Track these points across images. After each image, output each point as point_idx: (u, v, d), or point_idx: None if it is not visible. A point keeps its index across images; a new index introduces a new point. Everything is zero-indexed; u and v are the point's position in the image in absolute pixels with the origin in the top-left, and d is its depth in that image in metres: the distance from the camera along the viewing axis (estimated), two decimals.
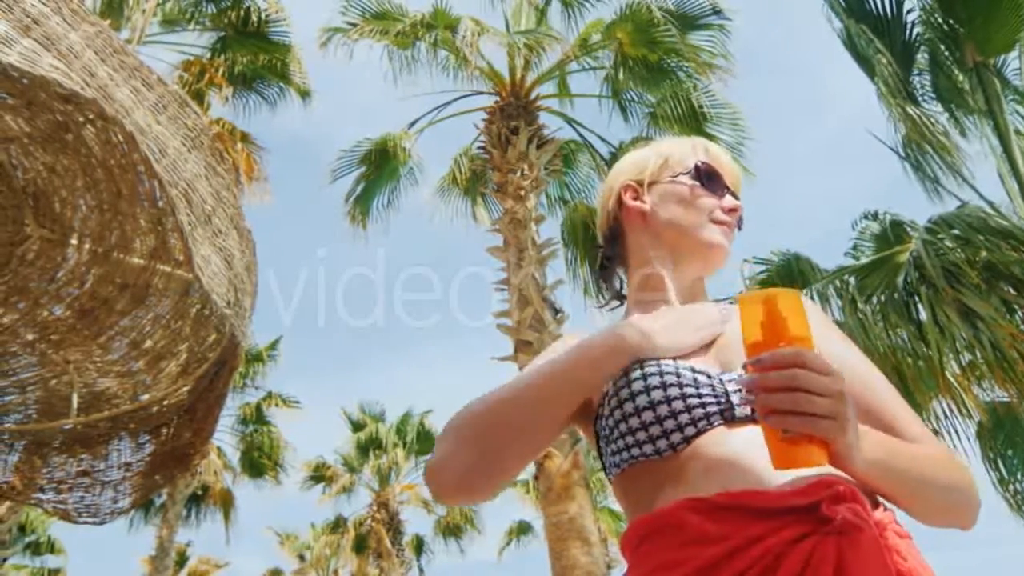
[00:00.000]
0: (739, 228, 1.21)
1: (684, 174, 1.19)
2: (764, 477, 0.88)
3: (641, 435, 0.97)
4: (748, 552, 0.82)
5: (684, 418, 0.95)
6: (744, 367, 0.85)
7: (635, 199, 1.22)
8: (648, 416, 0.96)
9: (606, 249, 1.27)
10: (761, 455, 0.86)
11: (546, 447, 1.07)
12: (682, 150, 1.23)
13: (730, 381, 0.97)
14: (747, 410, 0.94)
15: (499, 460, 1.01)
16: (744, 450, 0.91)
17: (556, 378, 1.03)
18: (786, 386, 0.80)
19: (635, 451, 0.98)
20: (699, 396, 0.96)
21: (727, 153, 1.25)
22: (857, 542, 0.81)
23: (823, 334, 1.07)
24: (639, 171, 1.23)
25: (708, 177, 1.19)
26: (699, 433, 0.95)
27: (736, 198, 1.20)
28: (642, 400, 0.97)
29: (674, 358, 1.01)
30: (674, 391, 0.96)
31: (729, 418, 0.95)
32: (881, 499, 0.94)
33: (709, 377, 0.98)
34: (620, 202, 1.23)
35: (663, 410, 0.96)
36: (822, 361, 0.83)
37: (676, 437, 0.95)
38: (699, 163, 1.20)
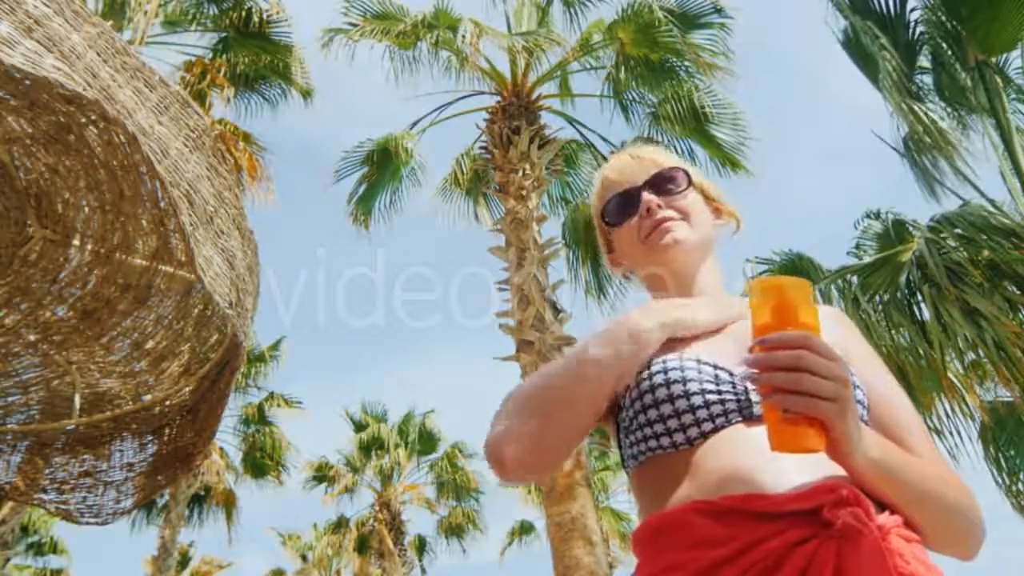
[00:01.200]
0: (678, 192, 1.18)
1: (605, 226, 1.24)
2: (775, 478, 0.88)
3: (659, 427, 0.98)
4: (751, 554, 0.82)
5: (702, 413, 0.96)
6: (751, 348, 0.86)
7: (618, 265, 1.27)
8: (667, 408, 0.98)
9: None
10: (772, 455, 0.86)
11: (589, 425, 1.05)
12: (595, 206, 1.26)
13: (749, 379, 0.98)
14: None
15: (554, 433, 1.01)
16: (758, 449, 0.90)
17: (601, 351, 1.02)
18: (791, 366, 0.81)
19: (652, 443, 0.99)
20: (718, 392, 0.97)
21: (624, 153, 1.25)
22: (857, 546, 0.81)
23: (848, 338, 1.09)
24: (603, 246, 1.29)
25: (614, 211, 1.21)
26: (716, 429, 0.95)
27: (654, 185, 1.18)
28: (662, 392, 0.98)
29: (698, 356, 1.01)
30: (694, 385, 0.97)
31: (747, 416, 0.95)
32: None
33: (730, 375, 0.99)
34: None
35: (681, 404, 0.97)
36: (827, 346, 0.84)
37: (693, 431, 0.96)
38: (601, 211, 1.23)
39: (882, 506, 0.91)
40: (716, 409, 0.96)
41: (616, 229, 1.21)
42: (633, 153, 1.24)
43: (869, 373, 1.06)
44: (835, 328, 1.08)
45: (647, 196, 1.17)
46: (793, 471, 0.89)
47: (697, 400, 0.96)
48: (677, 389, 0.97)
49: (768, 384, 0.82)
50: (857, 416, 0.86)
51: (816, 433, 0.82)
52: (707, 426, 0.95)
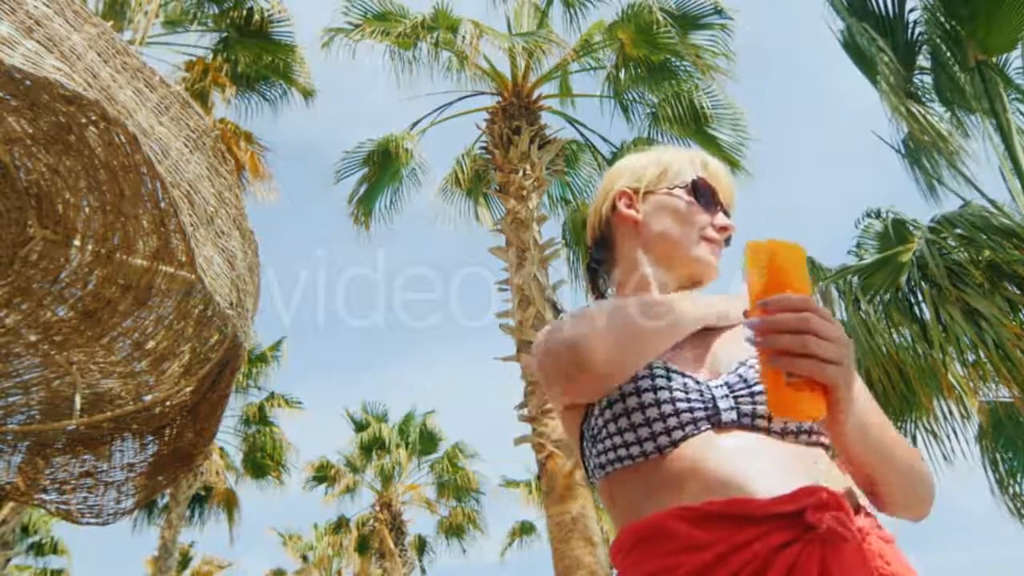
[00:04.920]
0: (727, 245, 1.22)
1: (681, 187, 1.20)
2: (750, 483, 0.89)
3: (629, 435, 0.98)
4: (735, 558, 0.83)
5: (672, 421, 0.96)
6: (745, 312, 0.85)
7: (629, 206, 1.22)
8: (638, 417, 0.98)
9: (594, 251, 1.28)
10: (747, 460, 0.88)
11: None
12: (681, 163, 1.23)
13: (718, 387, 0.98)
14: (733, 415, 0.95)
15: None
16: (734, 455, 0.91)
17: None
18: (797, 328, 0.80)
19: (621, 451, 0.99)
20: (687, 400, 0.97)
21: (726, 171, 1.25)
22: (841, 550, 0.82)
23: None
24: (636, 179, 1.23)
25: (704, 193, 1.19)
26: (686, 437, 0.95)
27: (728, 216, 1.21)
28: (632, 401, 0.98)
29: (666, 364, 1.01)
30: (664, 394, 0.97)
31: (715, 423, 0.95)
32: (863, 504, 0.94)
33: (697, 383, 0.99)
34: (614, 207, 1.23)
35: (652, 412, 0.97)
36: (826, 310, 0.83)
37: (663, 440, 0.96)
38: (696, 178, 1.20)
39: (856, 506, 0.91)
40: (685, 417, 0.96)
41: (686, 200, 1.19)
42: (730, 179, 1.26)
43: None
44: None
45: (728, 220, 1.20)
46: (771, 474, 0.89)
47: (667, 408, 0.96)
48: (648, 397, 0.97)
49: (773, 347, 0.80)
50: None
51: (818, 398, 0.81)
52: (677, 434, 0.95)
